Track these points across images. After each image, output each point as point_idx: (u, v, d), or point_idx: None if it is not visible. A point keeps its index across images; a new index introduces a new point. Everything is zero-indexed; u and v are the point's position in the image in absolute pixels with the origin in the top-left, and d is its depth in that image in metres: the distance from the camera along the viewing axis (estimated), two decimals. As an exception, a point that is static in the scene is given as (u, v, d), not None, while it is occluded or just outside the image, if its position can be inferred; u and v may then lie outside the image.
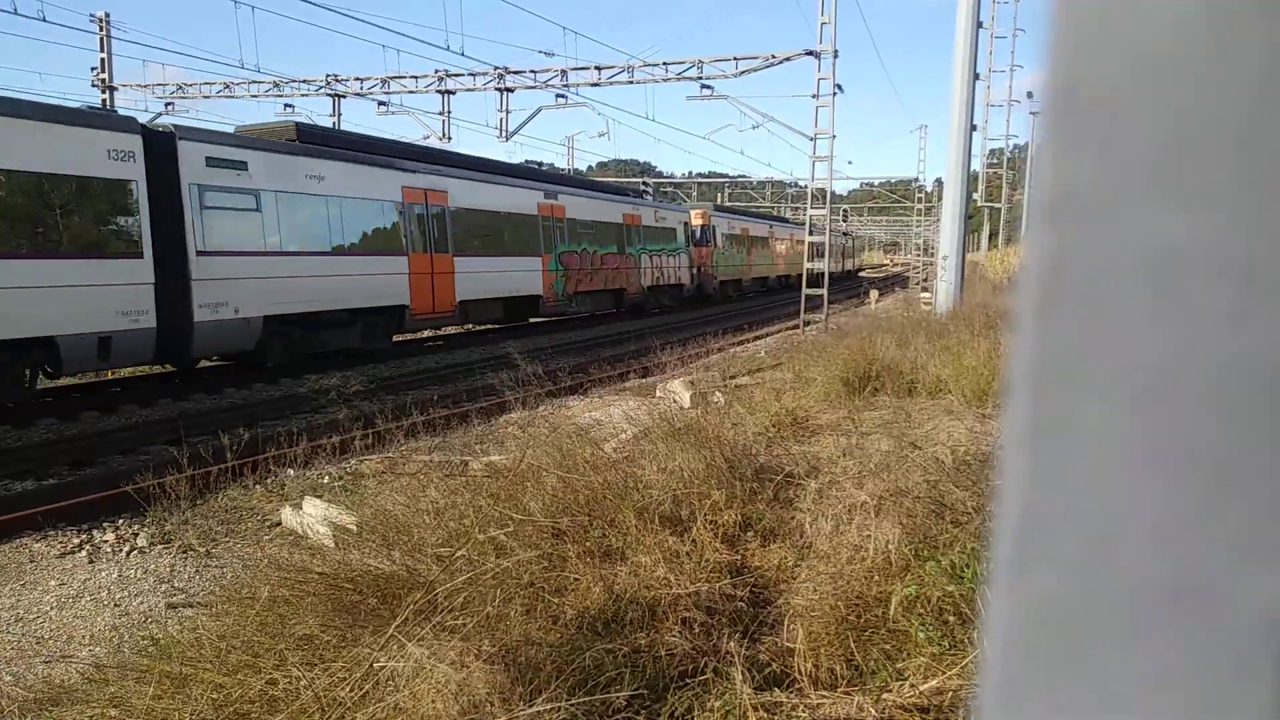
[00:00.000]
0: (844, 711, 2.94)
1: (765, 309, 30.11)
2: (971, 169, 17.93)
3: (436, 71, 25.28)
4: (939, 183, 41.47)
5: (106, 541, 6.67)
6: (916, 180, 53.76)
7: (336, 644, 3.23)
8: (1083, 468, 0.35)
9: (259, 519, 7.13)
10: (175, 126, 13.30)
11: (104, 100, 25.24)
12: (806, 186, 24.42)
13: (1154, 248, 0.34)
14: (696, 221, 33.02)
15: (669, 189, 58.07)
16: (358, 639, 3.19)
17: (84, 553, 6.45)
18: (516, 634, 3.19)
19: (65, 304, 10.96)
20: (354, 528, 5.28)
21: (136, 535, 6.78)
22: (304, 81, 26.65)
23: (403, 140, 20.63)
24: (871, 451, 5.26)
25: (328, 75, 26.44)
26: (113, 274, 11.57)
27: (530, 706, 2.70)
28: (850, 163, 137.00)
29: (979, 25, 16.24)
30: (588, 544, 4.05)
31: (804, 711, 2.95)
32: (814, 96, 19.49)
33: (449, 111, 26.12)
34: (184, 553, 6.42)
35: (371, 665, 2.89)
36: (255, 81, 26.02)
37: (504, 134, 25.63)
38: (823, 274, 20.54)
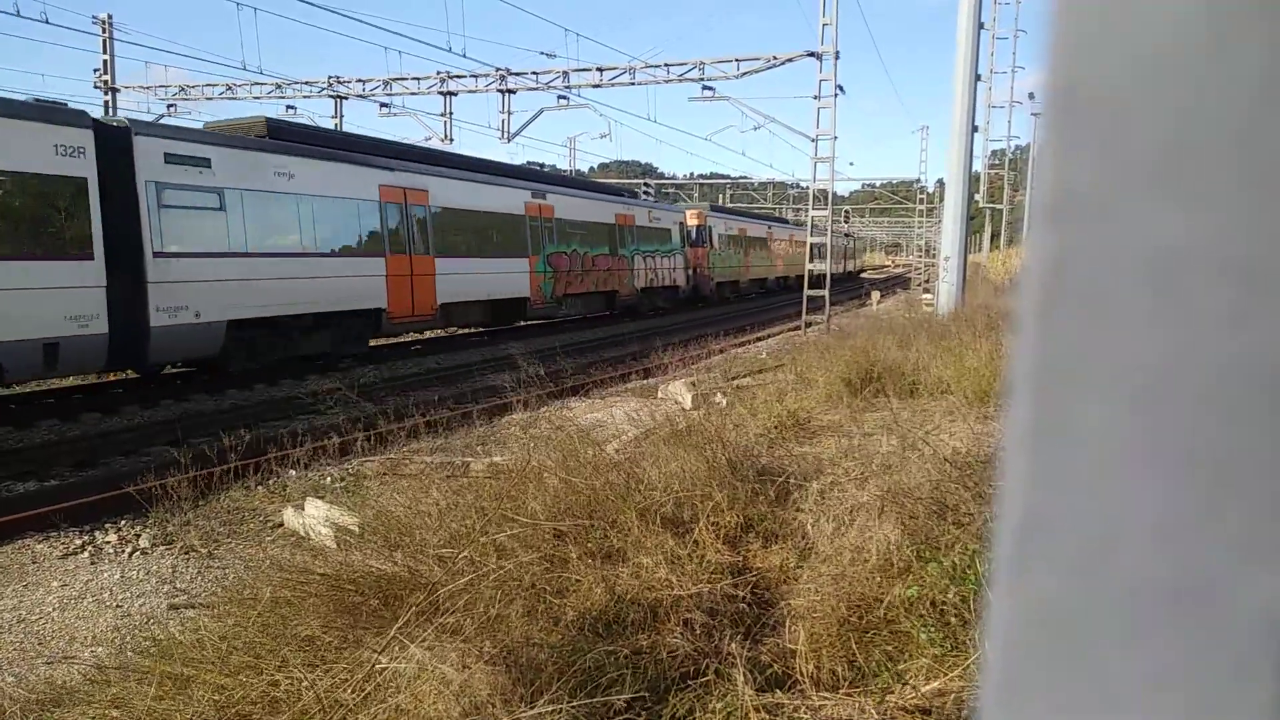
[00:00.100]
0: (846, 713, 2.94)
1: (764, 310, 30.00)
2: (973, 170, 17.94)
3: (438, 73, 25.31)
4: (940, 184, 41.51)
5: (109, 542, 6.68)
6: (918, 181, 53.74)
7: (338, 645, 3.23)
8: (1083, 468, 0.35)
9: (261, 520, 7.14)
10: (131, 121, 12.74)
11: (106, 102, 25.31)
12: (808, 187, 24.43)
13: (1154, 248, 0.34)
14: (692, 222, 32.59)
15: (671, 190, 58.08)
16: (359, 640, 3.20)
17: (86, 554, 6.45)
18: (518, 635, 3.19)
19: (6, 308, 10.35)
20: (356, 529, 5.29)
21: (139, 536, 6.78)
22: (306, 83, 26.70)
23: (384, 138, 20.02)
24: (873, 452, 5.25)
25: (330, 77, 26.49)
26: (60, 276, 10.88)
27: (532, 708, 2.70)
28: (852, 164, 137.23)
29: (980, 26, 16.24)
30: (589, 545, 4.05)
31: (806, 713, 2.95)
32: (815, 97, 19.51)
33: (450, 113, 26.18)
34: (186, 554, 6.43)
35: (373, 666, 2.89)
36: (257, 83, 26.07)
37: (506, 135, 25.65)
38: (824, 275, 20.55)
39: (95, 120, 11.78)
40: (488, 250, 20.01)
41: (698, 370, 13.69)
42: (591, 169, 69.16)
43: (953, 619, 3.36)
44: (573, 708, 2.70)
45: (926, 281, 33.22)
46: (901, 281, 52.02)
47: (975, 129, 16.29)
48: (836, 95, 19.27)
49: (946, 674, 3.05)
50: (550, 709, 2.67)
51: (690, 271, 32.32)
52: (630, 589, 3.63)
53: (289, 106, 27.25)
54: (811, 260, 22.41)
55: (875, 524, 3.90)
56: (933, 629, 3.33)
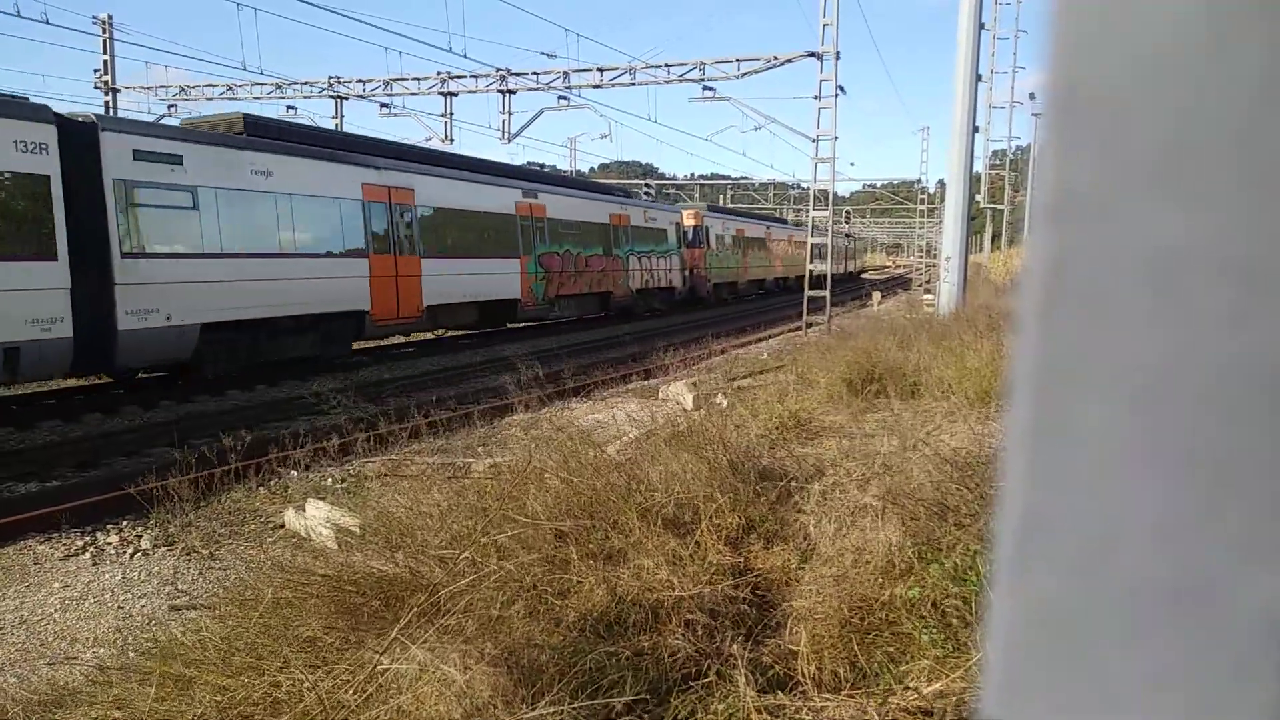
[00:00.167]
0: (848, 715, 2.93)
1: (763, 312, 29.89)
2: (974, 170, 17.94)
3: (439, 73, 25.33)
4: (941, 184, 41.52)
5: (110, 543, 6.68)
6: (919, 182, 53.73)
7: (340, 646, 3.23)
8: (1083, 467, 0.35)
9: (262, 521, 7.14)
10: (98, 117, 12.25)
11: (107, 102, 25.34)
12: (809, 188, 24.43)
13: (1154, 248, 0.34)
14: (689, 222, 32.22)
15: (671, 191, 58.12)
16: (361, 641, 3.20)
17: (88, 555, 6.46)
18: (519, 636, 3.19)
19: None
20: (357, 529, 5.29)
21: (140, 537, 6.79)
22: (306, 83, 26.73)
23: (369, 136, 19.56)
24: (875, 453, 5.25)
25: (330, 77, 26.51)
26: (20, 278, 10.46)
27: (533, 709, 2.70)
28: (852, 164, 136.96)
29: (981, 27, 16.25)
30: (591, 546, 4.05)
31: (808, 715, 2.95)
32: (816, 98, 19.52)
33: (451, 113, 26.20)
34: (187, 555, 6.43)
35: (375, 667, 2.89)
36: (258, 84, 26.11)
37: (506, 136, 25.67)
38: (825, 275, 20.55)
39: (59, 115, 11.42)
40: (477, 250, 19.61)
41: (699, 371, 13.69)
42: (592, 169, 69.23)
43: (954, 620, 3.36)
44: (574, 709, 2.70)
45: (927, 282, 33.23)
46: (902, 282, 52.04)
47: (976, 129, 16.29)
48: (837, 95, 19.30)
49: (948, 675, 3.05)
50: (552, 710, 2.67)
51: (687, 272, 31.96)
52: (632, 590, 3.63)
53: (289, 107, 27.33)
54: (812, 261, 22.38)
55: (877, 525, 3.90)
56: (934, 630, 3.32)
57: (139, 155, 12.11)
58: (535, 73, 24.63)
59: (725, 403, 9.40)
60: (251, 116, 15.93)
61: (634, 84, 23.53)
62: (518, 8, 30.63)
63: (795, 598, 3.74)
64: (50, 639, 5.14)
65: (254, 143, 14.37)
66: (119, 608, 5.57)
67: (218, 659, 3.25)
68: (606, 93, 25.66)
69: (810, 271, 21.60)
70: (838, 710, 2.96)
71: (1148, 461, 0.34)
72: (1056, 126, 0.35)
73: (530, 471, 4.99)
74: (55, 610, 5.54)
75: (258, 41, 67.24)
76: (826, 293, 20.31)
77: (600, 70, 23.75)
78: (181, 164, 12.69)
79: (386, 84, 25.93)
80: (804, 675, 3.20)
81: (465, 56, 32.46)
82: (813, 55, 19.59)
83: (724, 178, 72.91)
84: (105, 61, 25.46)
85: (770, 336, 20.69)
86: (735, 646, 3.23)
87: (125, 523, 7.10)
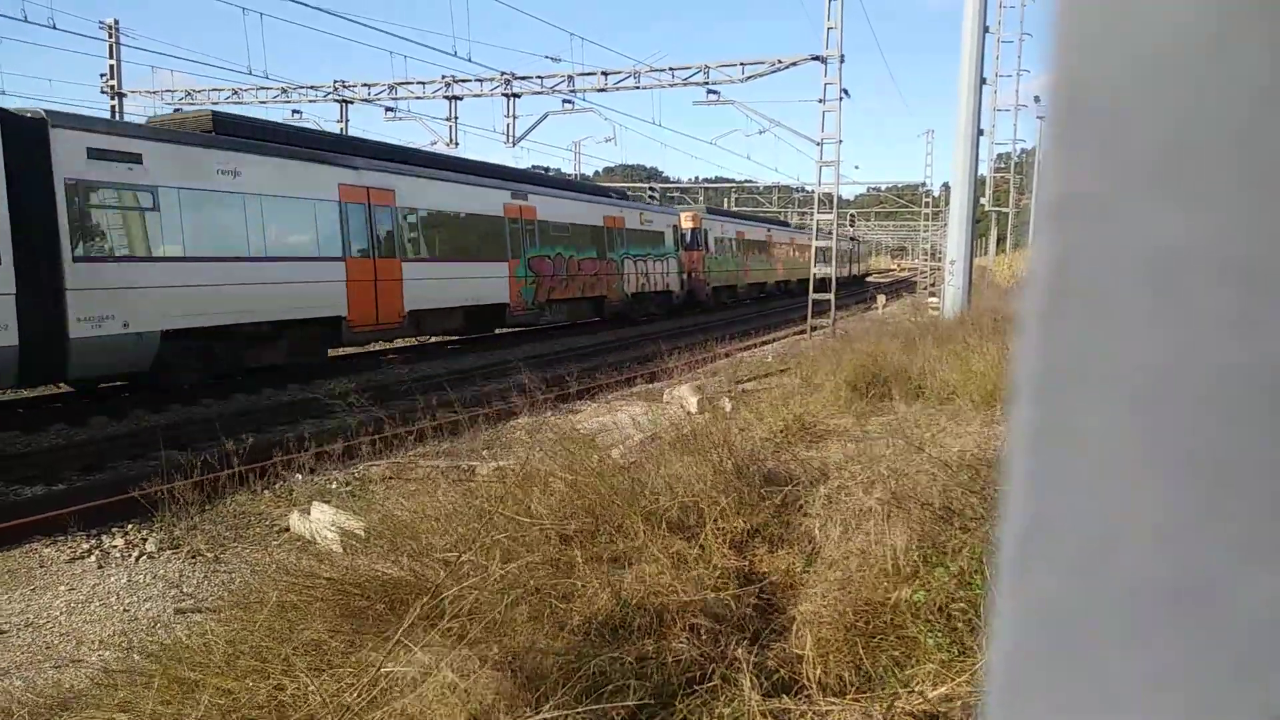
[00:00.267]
0: (853, 719, 2.93)
1: (764, 315, 29.67)
2: (979, 173, 17.92)
3: (443, 77, 25.39)
4: (946, 187, 41.47)
5: (116, 547, 6.70)
6: (923, 185, 53.76)
7: (344, 649, 3.23)
8: (1084, 469, 0.35)
9: (267, 524, 7.15)
10: (48, 113, 11.37)
11: (113, 106, 25.43)
12: (813, 191, 24.43)
13: (1155, 248, 0.34)
14: (687, 224, 31.63)
15: (675, 194, 58.15)
16: (365, 644, 3.20)
17: (93, 558, 6.47)
18: (523, 640, 3.19)
19: None
20: (361, 533, 5.29)
21: (145, 540, 6.80)
22: (312, 88, 26.80)
23: (349, 135, 19.02)
24: (879, 457, 5.25)
25: (335, 81, 26.57)
26: None
27: (537, 713, 2.69)
28: (857, 167, 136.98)
29: (985, 30, 16.24)
30: (595, 549, 4.04)
31: (813, 719, 2.94)
32: (820, 101, 19.52)
33: (456, 117, 26.25)
34: (192, 558, 6.44)
35: (379, 671, 2.89)
36: (263, 88, 26.17)
37: (511, 139, 25.71)
38: (830, 279, 20.54)
39: (4, 111, 10.87)
40: (463, 254, 18.97)
41: (703, 374, 13.68)
42: (597, 173, 69.32)
43: (960, 624, 3.35)
44: (578, 713, 2.70)
45: (932, 285, 33.21)
46: (907, 285, 51.99)
47: (981, 132, 16.29)
48: (841, 99, 19.30)
49: (954, 679, 3.04)
50: (555, 715, 2.67)
51: (685, 276, 31.36)
52: (636, 594, 3.62)
53: (295, 111, 27.37)
54: (817, 264, 22.35)
55: (882, 528, 3.89)
56: (940, 634, 3.32)
57: (94, 153, 11.51)
58: (539, 76, 24.65)
59: (730, 406, 9.40)
60: (222, 114, 15.36)
61: (638, 87, 23.53)
62: (522, 12, 30.71)
63: (800, 601, 3.73)
64: (56, 641, 5.16)
65: (221, 141, 13.74)
66: (124, 611, 5.58)
67: (222, 662, 3.25)
68: (611, 96, 25.74)
69: (814, 274, 21.57)
70: (843, 714, 2.95)
71: (1149, 462, 0.34)
72: (1059, 127, 0.35)
73: (535, 475, 4.99)
74: (61, 613, 5.55)
75: (263, 46, 67.51)
76: (831, 296, 20.30)
77: (604, 74, 23.78)
78: (141, 163, 12.08)
79: (392, 88, 25.99)
80: (809, 679, 3.20)
81: (470, 60, 32.81)
82: (817, 59, 19.60)
83: (728, 181, 72.91)
84: (111, 66, 25.56)
85: (774, 340, 20.68)
86: (740, 650, 3.23)
87: (130, 526, 7.12)
